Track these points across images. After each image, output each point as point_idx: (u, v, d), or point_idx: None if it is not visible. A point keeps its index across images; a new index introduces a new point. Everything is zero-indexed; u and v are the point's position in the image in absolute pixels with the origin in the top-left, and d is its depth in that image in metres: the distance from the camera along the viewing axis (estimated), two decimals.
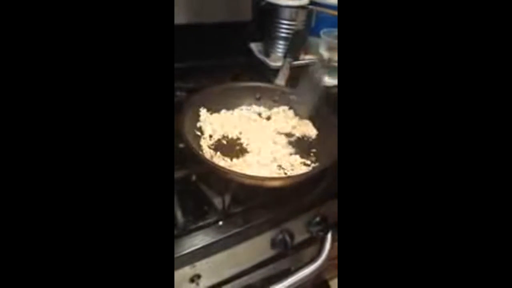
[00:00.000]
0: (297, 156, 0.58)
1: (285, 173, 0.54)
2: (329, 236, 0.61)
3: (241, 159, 0.56)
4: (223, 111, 0.65)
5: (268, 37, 0.86)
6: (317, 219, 0.58)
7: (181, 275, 0.47)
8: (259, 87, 0.66)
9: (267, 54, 0.87)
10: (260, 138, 0.61)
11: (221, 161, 0.55)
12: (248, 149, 0.58)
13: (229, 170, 0.49)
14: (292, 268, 0.64)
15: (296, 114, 0.67)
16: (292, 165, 0.56)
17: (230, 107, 0.66)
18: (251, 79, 0.69)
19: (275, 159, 0.56)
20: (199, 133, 0.59)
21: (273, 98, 0.68)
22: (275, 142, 0.61)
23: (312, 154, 0.59)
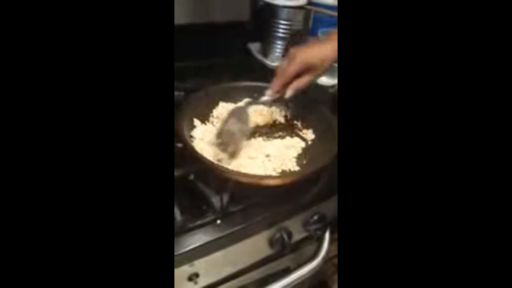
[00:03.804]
0: (295, 155, 0.58)
1: (283, 172, 0.55)
2: (327, 234, 0.61)
3: (239, 158, 0.56)
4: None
5: (266, 38, 0.86)
6: (315, 217, 0.58)
7: (180, 273, 0.47)
8: (258, 87, 0.66)
9: (266, 54, 0.87)
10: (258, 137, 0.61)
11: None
12: (247, 148, 0.59)
13: (227, 168, 0.49)
14: (291, 267, 0.65)
15: (293, 113, 0.67)
16: (290, 164, 0.56)
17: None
18: (250, 79, 0.69)
19: (273, 157, 0.57)
20: None
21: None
22: (272, 141, 0.61)
23: (309, 152, 0.59)
